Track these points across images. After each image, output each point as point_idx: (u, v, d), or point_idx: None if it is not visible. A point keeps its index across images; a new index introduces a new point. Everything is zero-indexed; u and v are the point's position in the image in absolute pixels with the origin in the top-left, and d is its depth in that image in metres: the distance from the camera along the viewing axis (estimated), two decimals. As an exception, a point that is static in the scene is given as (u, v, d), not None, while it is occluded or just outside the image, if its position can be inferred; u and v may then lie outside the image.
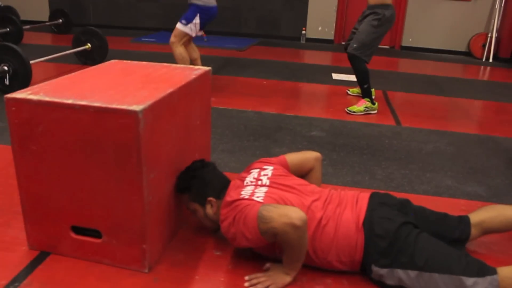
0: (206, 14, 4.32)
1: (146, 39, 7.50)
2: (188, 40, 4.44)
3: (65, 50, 5.37)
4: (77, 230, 1.82)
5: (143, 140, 1.61)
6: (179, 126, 1.95)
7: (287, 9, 8.32)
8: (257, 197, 1.72)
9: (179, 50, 4.33)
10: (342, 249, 1.72)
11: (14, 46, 4.17)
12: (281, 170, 1.98)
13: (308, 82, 5.29)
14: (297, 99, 4.74)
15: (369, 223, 1.72)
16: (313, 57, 7.28)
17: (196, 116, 2.16)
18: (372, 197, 1.85)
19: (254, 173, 1.94)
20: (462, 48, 7.98)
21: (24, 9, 8.61)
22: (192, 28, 4.28)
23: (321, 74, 5.72)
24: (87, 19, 8.82)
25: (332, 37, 8.37)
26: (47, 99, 1.67)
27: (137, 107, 1.57)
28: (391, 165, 3.03)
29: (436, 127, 3.90)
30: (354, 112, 4.10)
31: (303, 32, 8.31)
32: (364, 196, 1.85)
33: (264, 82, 5.16)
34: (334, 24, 8.30)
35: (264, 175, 1.90)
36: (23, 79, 4.18)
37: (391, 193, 1.96)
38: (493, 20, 7.57)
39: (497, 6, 7.50)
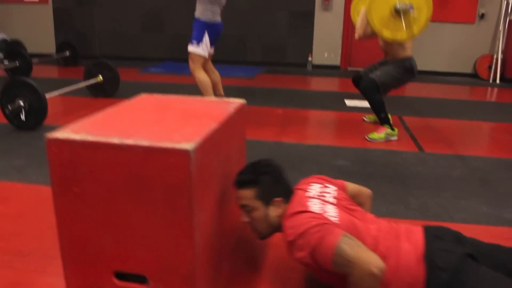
0: (213, 31, 4.28)
1: (154, 69, 7.51)
2: (205, 62, 4.41)
3: (76, 83, 5.33)
4: (121, 275, 1.73)
5: (194, 180, 1.54)
6: (222, 162, 1.89)
7: (292, 36, 8.36)
8: (331, 216, 1.65)
9: (200, 75, 4.30)
10: (402, 283, 1.64)
11: (30, 81, 4.13)
12: (343, 193, 1.91)
13: (322, 110, 5.26)
14: (315, 128, 4.69)
15: (429, 256, 1.65)
16: (321, 84, 7.27)
17: (235, 149, 2.10)
18: (427, 229, 1.78)
19: (316, 187, 1.86)
20: (468, 70, 8.00)
21: (30, 42, 8.64)
22: (203, 48, 4.24)
23: (334, 101, 5.70)
24: (93, 51, 8.85)
25: (338, 63, 8.39)
26: (91, 138, 1.60)
27: (188, 146, 1.51)
28: (423, 193, 2.96)
29: (459, 151, 3.85)
30: (375, 139, 4.05)
31: (309, 58, 8.33)
32: (417, 229, 1.78)
33: (279, 111, 5.13)
34: (340, 50, 8.33)
35: (328, 193, 1.83)
36: (39, 114, 4.13)
37: (430, 223, 1.90)
38: (497, 42, 7.61)
39: (501, 27, 7.55)
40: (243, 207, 1.84)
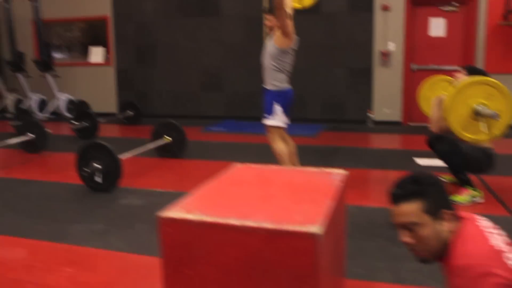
0: (283, 98, 4.24)
1: (216, 129, 7.58)
2: (282, 131, 4.36)
3: (141, 142, 5.41)
4: None
5: (321, 264, 1.43)
6: (335, 239, 1.78)
7: (351, 92, 8.31)
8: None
9: (278, 146, 4.27)
10: None
11: (106, 144, 4.21)
12: None
13: (395, 170, 5.07)
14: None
15: None
16: (384, 141, 7.11)
17: (341, 222, 1.98)
18: None
19: (486, 222, 1.58)
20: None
21: (93, 101, 8.98)
22: (278, 119, 4.21)
23: (403, 160, 5.50)
24: (153, 110, 9.07)
25: (399, 119, 8.22)
26: (208, 219, 1.54)
27: (316, 229, 1.42)
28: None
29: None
30: (459, 202, 3.83)
31: (369, 115, 8.22)
32: None
33: (353, 173, 4.97)
34: (400, 105, 8.19)
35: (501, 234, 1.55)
36: (114, 176, 4.17)
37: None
38: None
39: None
40: (406, 225, 1.55)
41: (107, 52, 9.42)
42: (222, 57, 8.71)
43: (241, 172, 2.21)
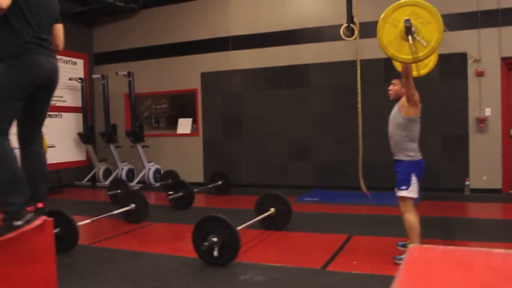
0: (418, 168, 4.11)
1: (308, 199, 7.42)
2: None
3: (242, 214, 5.32)
4: None
5: None
6: None
7: (446, 160, 7.96)
8: None
9: (411, 218, 4.07)
10: None
11: (223, 217, 4.13)
12: None
13: (504, 242, 4.66)
14: None
15: None
16: (485, 210, 6.66)
17: None
18: None
19: None
20: None
21: (180, 171, 9.12)
22: (414, 190, 4.05)
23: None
24: (240, 180, 9.07)
25: (499, 186, 7.74)
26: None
27: None
28: None
29: None
30: None
31: (466, 182, 7.80)
32: None
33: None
34: (501, 172, 7.73)
35: None
36: (232, 250, 4.05)
37: None
38: None
39: None
40: None
41: (195, 123, 9.68)
42: (310, 126, 8.71)
43: (428, 256, 2.01)
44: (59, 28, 3.13)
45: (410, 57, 3.65)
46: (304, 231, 5.40)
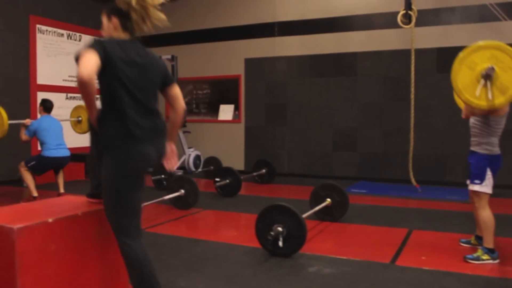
0: (495, 163, 3.89)
1: (356, 190, 7.25)
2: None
3: (294, 204, 5.16)
4: None
5: None
6: None
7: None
8: None
9: (487, 214, 3.86)
10: None
11: (289, 206, 4.00)
12: None
13: None
14: None
15: None
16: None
17: None
18: None
19: None
20: None
21: (220, 158, 9.03)
22: (489, 184, 3.84)
23: None
24: (282, 168, 8.94)
25: (555, 184, 7.44)
26: None
27: None
28: None
29: None
30: None
31: (521, 178, 7.51)
32: None
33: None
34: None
35: None
36: (297, 240, 3.92)
37: None
38: None
39: None
40: None
41: (237, 109, 9.56)
42: (356, 116, 8.51)
43: None
44: (176, 91, 2.78)
45: (485, 103, 3.50)
46: (361, 223, 5.24)
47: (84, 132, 7.21)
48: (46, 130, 6.23)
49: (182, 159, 9.43)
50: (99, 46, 2.31)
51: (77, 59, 2.28)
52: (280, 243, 3.91)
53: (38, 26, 8.51)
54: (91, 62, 2.23)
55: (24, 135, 6.24)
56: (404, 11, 6.66)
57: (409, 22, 6.62)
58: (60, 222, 2.53)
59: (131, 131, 2.42)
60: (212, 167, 8.55)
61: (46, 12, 8.69)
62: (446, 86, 7.85)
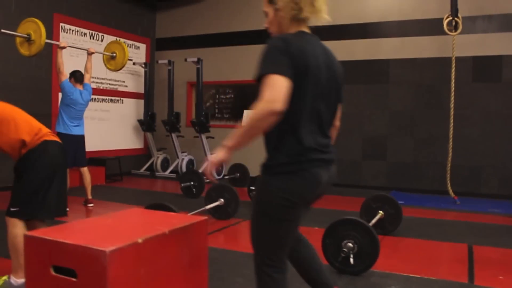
0: None
1: (395, 201, 7.04)
2: None
3: (335, 215, 4.97)
4: None
5: None
6: None
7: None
8: None
9: None
10: None
11: (362, 221, 3.80)
12: None
13: None
14: None
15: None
16: None
17: None
18: None
19: None
20: None
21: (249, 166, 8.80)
22: None
23: None
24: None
25: None
26: None
27: None
28: None
29: None
30: None
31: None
32: None
33: None
34: None
35: None
36: (369, 257, 3.71)
37: None
38: None
39: None
40: None
41: (262, 115, 9.34)
42: (387, 124, 8.33)
43: None
44: (340, 108, 2.42)
45: None
46: (414, 237, 5.04)
47: (116, 70, 6.99)
48: (72, 103, 6.11)
49: (204, 165, 9.19)
50: None
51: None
52: (351, 260, 3.70)
53: (61, 24, 8.26)
54: None
55: (60, 58, 5.97)
56: (450, 18, 6.49)
57: (454, 29, 6.45)
58: (149, 243, 2.26)
59: (303, 152, 2.20)
60: (238, 174, 8.31)
61: (70, 11, 8.44)
62: (481, 95, 7.74)
